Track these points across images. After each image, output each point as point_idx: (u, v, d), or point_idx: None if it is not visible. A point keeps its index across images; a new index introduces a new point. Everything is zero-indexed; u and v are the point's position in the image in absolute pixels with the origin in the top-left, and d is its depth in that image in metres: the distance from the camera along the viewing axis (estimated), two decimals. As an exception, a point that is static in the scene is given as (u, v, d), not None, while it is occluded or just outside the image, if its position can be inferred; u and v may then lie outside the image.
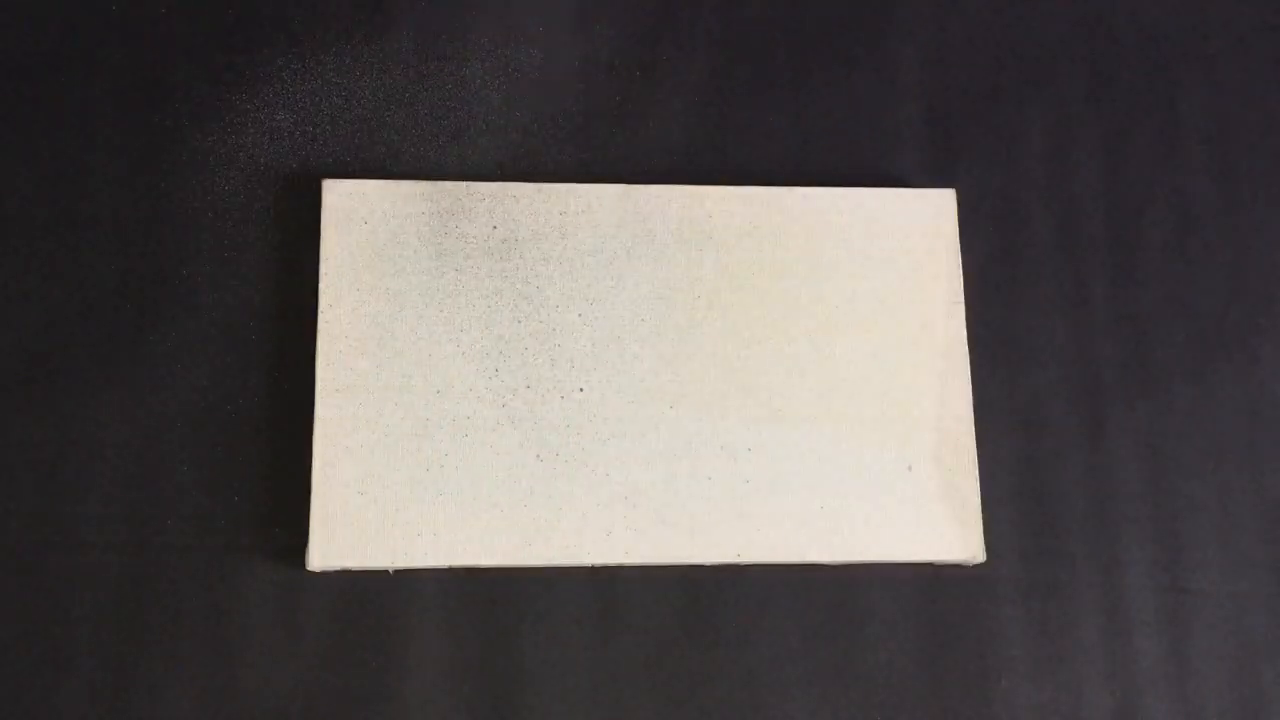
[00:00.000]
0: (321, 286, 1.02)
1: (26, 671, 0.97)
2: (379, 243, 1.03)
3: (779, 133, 1.11)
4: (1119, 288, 1.11)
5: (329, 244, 1.03)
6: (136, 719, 0.97)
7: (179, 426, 1.02)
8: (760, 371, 1.03)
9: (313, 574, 0.99)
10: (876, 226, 1.07)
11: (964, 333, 1.05)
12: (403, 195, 1.04)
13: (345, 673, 0.98)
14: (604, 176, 1.09)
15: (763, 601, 1.02)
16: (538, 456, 1.00)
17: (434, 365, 1.01)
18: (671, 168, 1.10)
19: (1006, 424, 1.07)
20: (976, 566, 1.03)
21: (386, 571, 1.00)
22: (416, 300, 1.02)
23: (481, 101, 1.10)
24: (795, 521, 1.00)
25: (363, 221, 1.03)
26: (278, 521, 1.00)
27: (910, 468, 1.02)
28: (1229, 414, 1.09)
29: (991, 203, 1.11)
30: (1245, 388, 1.09)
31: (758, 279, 1.05)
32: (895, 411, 1.03)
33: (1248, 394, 1.09)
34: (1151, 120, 1.15)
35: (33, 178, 1.06)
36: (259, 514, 1.01)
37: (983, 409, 1.06)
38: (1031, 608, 1.04)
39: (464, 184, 1.05)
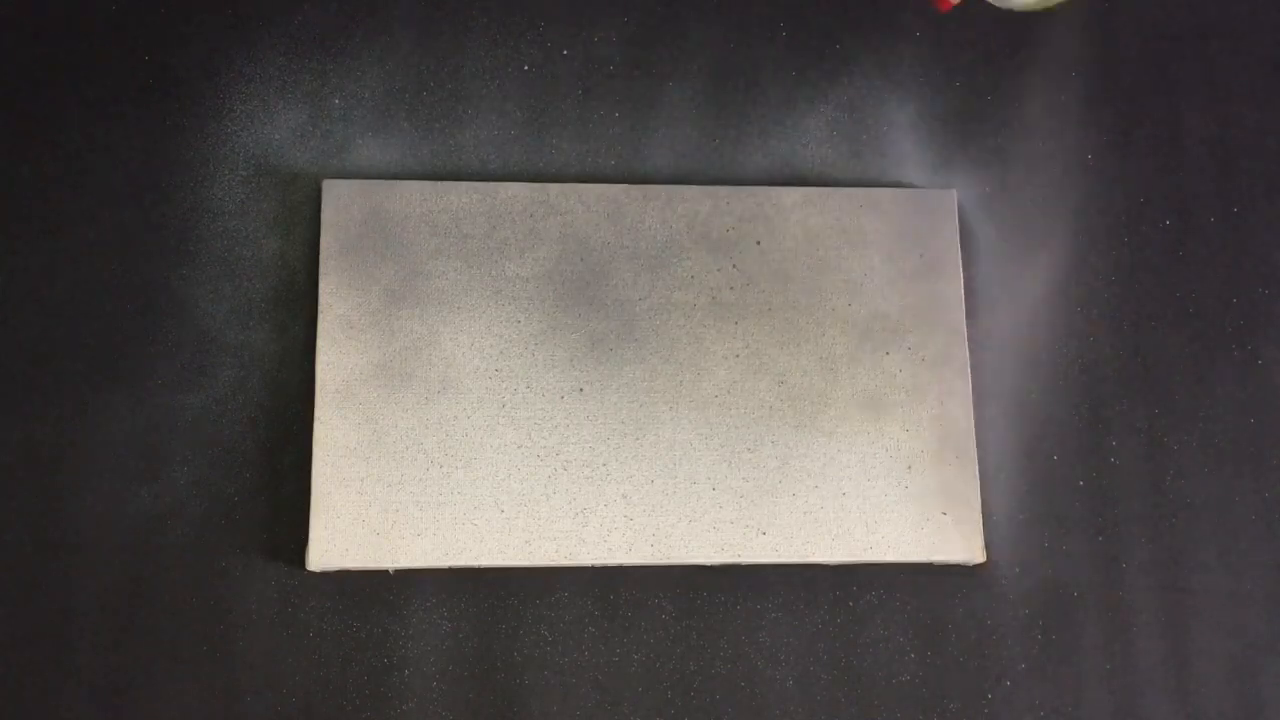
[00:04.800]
0: (321, 286, 1.02)
1: (26, 671, 0.97)
2: (379, 243, 1.03)
3: (779, 133, 1.11)
4: (1119, 288, 1.11)
5: (329, 244, 1.03)
6: (136, 719, 0.97)
7: (179, 426, 1.02)
8: (760, 371, 1.03)
9: (313, 574, 0.99)
10: (877, 226, 1.07)
11: (964, 332, 1.05)
12: (403, 195, 1.04)
13: (345, 673, 0.99)
14: (604, 177, 1.09)
15: (763, 601, 1.02)
16: (537, 456, 1.00)
17: (434, 365, 1.01)
18: (671, 168, 1.10)
19: (1006, 424, 1.07)
20: (976, 566, 1.03)
21: (386, 571, 1.00)
22: (416, 300, 1.02)
23: (481, 102, 1.10)
24: (795, 522, 1.00)
25: (363, 221, 1.04)
26: (278, 521, 1.01)
27: (910, 468, 1.02)
28: (1229, 414, 1.09)
29: (991, 203, 1.11)
30: (1245, 388, 1.09)
31: (758, 279, 1.05)
32: (895, 411, 1.03)
33: (1248, 394, 1.09)
34: (1151, 120, 1.15)
35: (33, 178, 1.06)
36: (259, 514, 1.01)
37: (983, 409, 1.07)
38: (1031, 608, 1.04)
39: (464, 184, 1.05)
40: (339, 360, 1.00)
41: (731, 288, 1.05)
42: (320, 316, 1.01)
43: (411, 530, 0.98)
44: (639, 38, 1.13)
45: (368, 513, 0.98)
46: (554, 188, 1.05)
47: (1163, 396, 1.09)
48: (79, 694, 0.97)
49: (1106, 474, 1.07)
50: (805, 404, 1.03)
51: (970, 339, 1.07)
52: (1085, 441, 1.07)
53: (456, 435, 1.00)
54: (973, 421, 1.04)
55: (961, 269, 1.07)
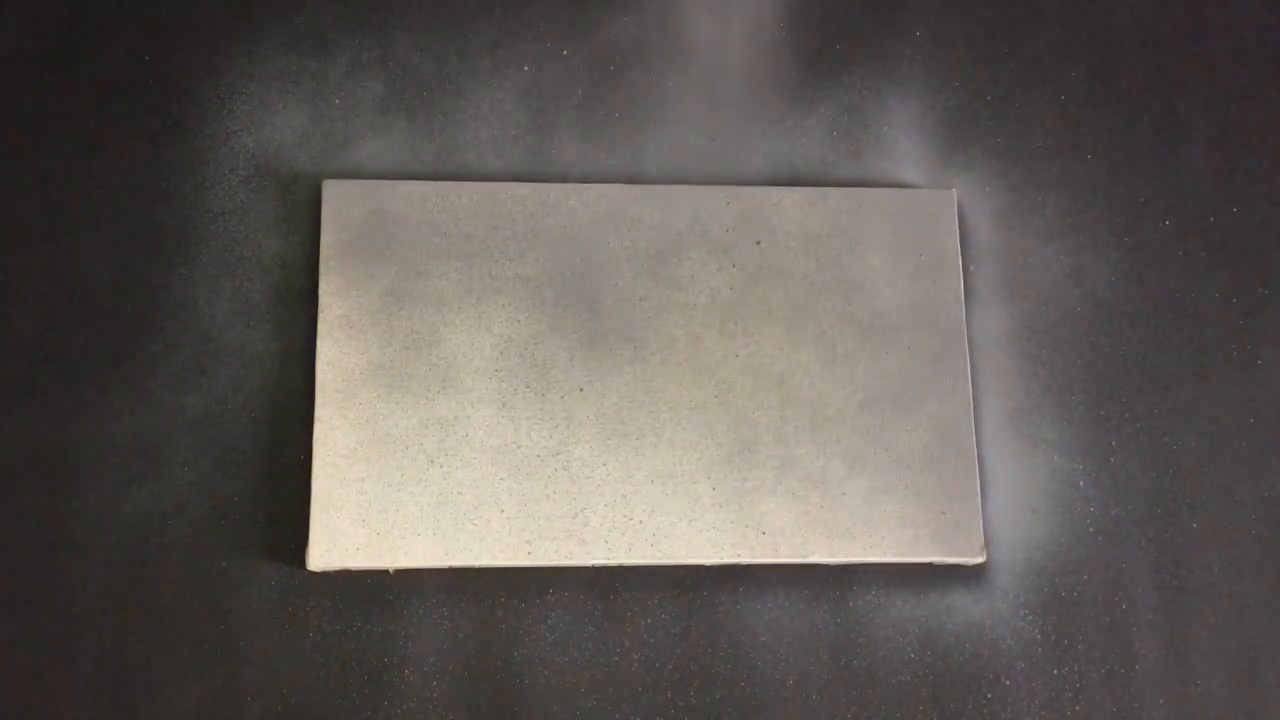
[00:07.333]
0: (321, 286, 1.02)
1: (27, 671, 0.97)
2: (379, 243, 1.03)
3: (779, 133, 1.11)
4: (1119, 288, 1.11)
5: (329, 244, 1.03)
6: (136, 719, 0.97)
7: (179, 426, 1.02)
8: (760, 372, 1.03)
9: (313, 574, 0.99)
10: (877, 226, 1.07)
11: (964, 332, 1.05)
12: (403, 195, 1.04)
13: (345, 673, 0.99)
14: (605, 177, 1.09)
15: (763, 602, 1.02)
16: (538, 456, 1.00)
17: (433, 365, 1.01)
18: (672, 168, 1.10)
19: (1006, 423, 1.07)
20: (976, 566, 1.03)
21: (386, 571, 1.00)
22: (416, 300, 1.02)
23: (482, 101, 1.10)
24: (795, 522, 1.00)
25: (362, 221, 1.04)
26: (278, 521, 1.01)
27: (910, 468, 1.02)
28: (1229, 414, 1.09)
29: (991, 203, 1.11)
30: (1245, 388, 1.09)
31: (758, 279, 1.05)
32: (895, 411, 1.03)
33: (1248, 394, 1.09)
34: (1151, 120, 1.15)
35: (33, 178, 1.06)
36: (259, 514, 1.01)
37: (983, 409, 1.07)
38: (1031, 608, 1.04)
39: (464, 184, 1.05)
40: (339, 360, 1.00)
41: (731, 288, 1.05)
42: (320, 316, 1.01)
43: (411, 530, 0.98)
44: (639, 38, 1.13)
45: (368, 513, 0.98)
46: (554, 188, 1.05)
47: (1163, 396, 1.09)
48: (79, 694, 0.97)
49: (1106, 474, 1.07)
50: (805, 404, 1.03)
51: (970, 339, 1.07)
52: (1085, 441, 1.07)
53: (456, 435, 1.00)
54: (973, 421, 1.04)
55: (961, 269, 1.07)
